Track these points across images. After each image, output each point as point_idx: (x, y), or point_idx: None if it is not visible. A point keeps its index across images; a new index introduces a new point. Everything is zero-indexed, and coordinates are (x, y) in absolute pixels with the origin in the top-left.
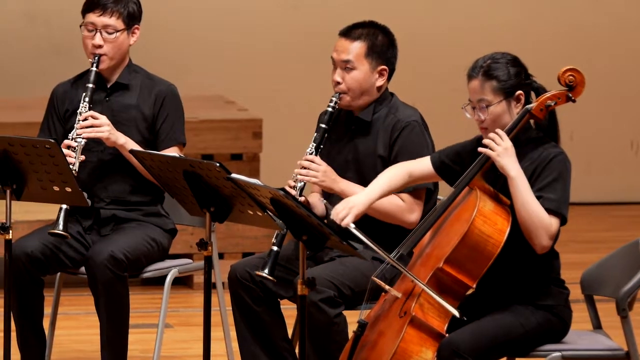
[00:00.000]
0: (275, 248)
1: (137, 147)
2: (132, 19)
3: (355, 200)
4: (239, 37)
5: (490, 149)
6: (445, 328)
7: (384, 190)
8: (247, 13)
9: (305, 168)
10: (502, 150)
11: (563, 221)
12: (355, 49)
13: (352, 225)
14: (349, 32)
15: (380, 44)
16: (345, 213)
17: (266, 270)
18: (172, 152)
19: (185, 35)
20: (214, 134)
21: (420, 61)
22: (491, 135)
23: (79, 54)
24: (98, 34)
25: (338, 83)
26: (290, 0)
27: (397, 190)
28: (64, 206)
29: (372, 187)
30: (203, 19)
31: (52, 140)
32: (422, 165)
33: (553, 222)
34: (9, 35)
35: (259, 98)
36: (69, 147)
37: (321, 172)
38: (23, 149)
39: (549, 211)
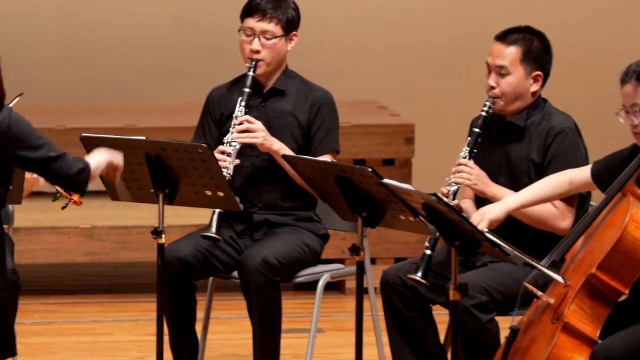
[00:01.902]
0: (428, 252)
1: (290, 153)
2: (290, 25)
3: (490, 208)
4: (392, 42)
5: None
6: (597, 334)
7: (534, 198)
8: (400, 18)
9: (458, 172)
10: None
11: None
12: (511, 53)
13: (486, 230)
14: (504, 37)
15: (536, 49)
16: (478, 219)
17: (419, 274)
18: (325, 159)
19: (338, 40)
20: (366, 139)
21: (574, 67)
22: None
23: (230, 58)
24: (256, 39)
25: (492, 88)
26: (444, 4)
27: (556, 198)
28: (218, 210)
29: (517, 196)
30: (356, 24)
31: (205, 145)
32: (582, 174)
33: None
34: (160, 39)
35: (411, 103)
36: (223, 152)
37: (474, 175)
38: (176, 153)
39: None
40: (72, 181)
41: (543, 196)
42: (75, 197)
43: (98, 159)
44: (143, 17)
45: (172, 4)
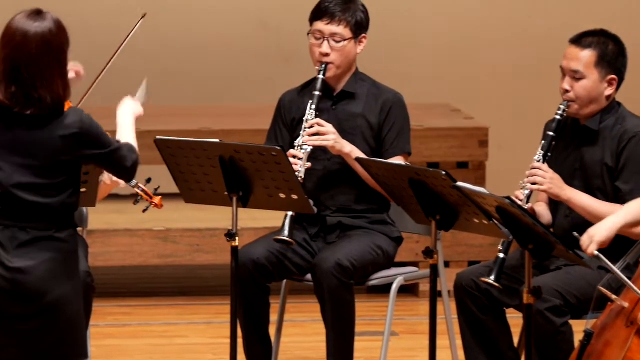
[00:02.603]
0: (501, 255)
1: (362, 156)
2: (359, 28)
3: (597, 230)
4: (467, 44)
5: None
6: None
7: (634, 218)
8: (475, 21)
9: (532, 175)
10: None
11: None
12: (585, 57)
13: (596, 253)
14: (579, 40)
15: (611, 53)
16: (587, 242)
17: (492, 277)
18: (398, 161)
19: (412, 42)
20: (440, 142)
21: None
22: None
23: (307, 62)
24: (325, 42)
25: (566, 91)
26: (518, 8)
27: None
28: (290, 213)
29: (620, 216)
30: (431, 26)
31: (278, 148)
32: None
33: None
34: (242, 42)
35: (485, 106)
36: (294, 156)
37: (548, 179)
38: (250, 156)
39: None
40: (128, 173)
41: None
42: (157, 200)
43: (130, 133)
44: (218, 21)
45: (252, 9)
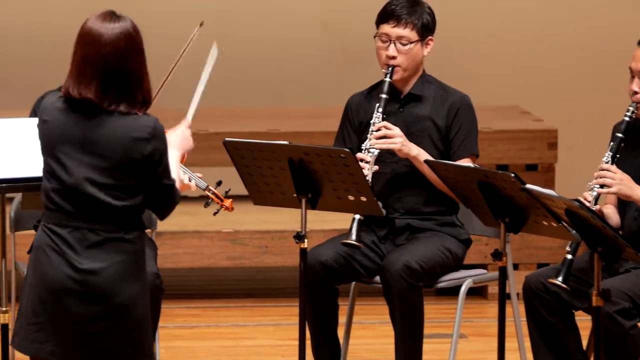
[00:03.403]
0: (569, 256)
1: (429, 158)
2: (426, 30)
3: None
4: (536, 47)
5: None
6: None
7: None
8: (543, 23)
9: (601, 177)
10: None
11: None
12: None
13: None
14: None
15: None
16: None
17: (560, 278)
18: (465, 163)
19: (482, 45)
20: (509, 144)
21: None
22: None
23: (373, 65)
24: (392, 45)
25: (635, 93)
26: (582, 10)
27: None
28: (357, 216)
29: None
30: (500, 29)
31: (347, 150)
32: None
33: None
34: (306, 45)
35: (554, 108)
36: (361, 159)
37: (618, 179)
38: (318, 158)
39: None
40: (168, 211)
41: None
42: (227, 202)
43: (176, 168)
44: (288, 23)
45: (319, 10)
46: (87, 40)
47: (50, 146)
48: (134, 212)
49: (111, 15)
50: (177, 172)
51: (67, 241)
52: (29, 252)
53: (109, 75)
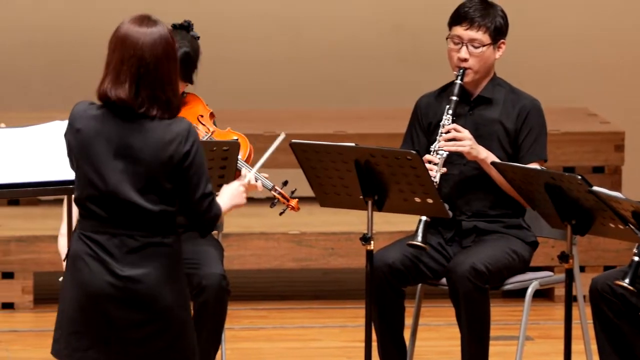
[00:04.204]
0: (636, 259)
1: (497, 161)
2: (498, 33)
3: None
4: (603, 50)
5: None
6: None
7: None
8: (609, 25)
9: None
10: None
11: None
12: None
13: None
14: None
15: None
16: None
17: (627, 280)
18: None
19: (550, 48)
20: (576, 146)
21: None
22: None
23: (443, 67)
24: (464, 48)
25: None
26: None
27: None
28: (424, 218)
29: None
30: (568, 32)
31: (414, 152)
32: None
33: None
34: (377, 45)
35: (621, 111)
36: (429, 161)
37: None
38: (385, 160)
39: None
40: (204, 223)
41: None
42: (293, 202)
43: (224, 208)
44: (359, 24)
45: (390, 11)
46: (124, 44)
47: (84, 154)
48: (170, 217)
49: (147, 19)
50: (224, 210)
51: (105, 248)
52: (64, 260)
53: (144, 78)
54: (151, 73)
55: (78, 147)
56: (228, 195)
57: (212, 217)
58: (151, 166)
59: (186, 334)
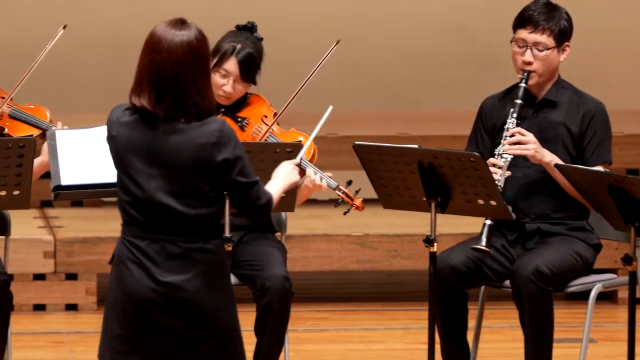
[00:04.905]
0: None
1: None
2: (563, 36)
3: None
4: None
5: None
6: None
7: None
8: None
9: None
10: None
11: None
12: None
13: None
14: None
15: None
16: None
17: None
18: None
19: (613, 49)
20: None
21: None
22: None
23: (504, 70)
24: (528, 51)
25: None
26: None
27: None
28: (488, 222)
29: None
30: (631, 33)
31: (477, 154)
32: None
33: None
34: (440, 47)
35: None
36: (494, 165)
37: None
38: (448, 162)
39: None
40: (257, 211)
41: None
42: (358, 202)
43: (277, 189)
44: (422, 25)
45: (454, 13)
46: (148, 47)
47: (120, 161)
48: (209, 221)
49: (178, 23)
50: (277, 196)
51: (146, 253)
52: (110, 262)
53: (164, 84)
54: (170, 79)
55: (114, 154)
56: (281, 176)
57: (264, 204)
58: (185, 170)
59: (231, 340)
